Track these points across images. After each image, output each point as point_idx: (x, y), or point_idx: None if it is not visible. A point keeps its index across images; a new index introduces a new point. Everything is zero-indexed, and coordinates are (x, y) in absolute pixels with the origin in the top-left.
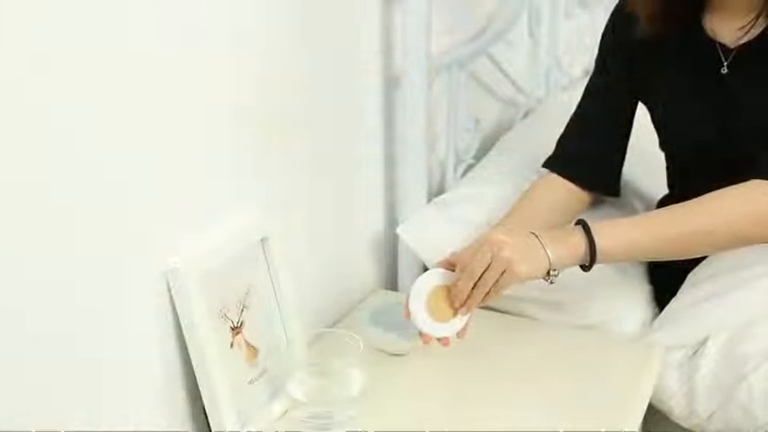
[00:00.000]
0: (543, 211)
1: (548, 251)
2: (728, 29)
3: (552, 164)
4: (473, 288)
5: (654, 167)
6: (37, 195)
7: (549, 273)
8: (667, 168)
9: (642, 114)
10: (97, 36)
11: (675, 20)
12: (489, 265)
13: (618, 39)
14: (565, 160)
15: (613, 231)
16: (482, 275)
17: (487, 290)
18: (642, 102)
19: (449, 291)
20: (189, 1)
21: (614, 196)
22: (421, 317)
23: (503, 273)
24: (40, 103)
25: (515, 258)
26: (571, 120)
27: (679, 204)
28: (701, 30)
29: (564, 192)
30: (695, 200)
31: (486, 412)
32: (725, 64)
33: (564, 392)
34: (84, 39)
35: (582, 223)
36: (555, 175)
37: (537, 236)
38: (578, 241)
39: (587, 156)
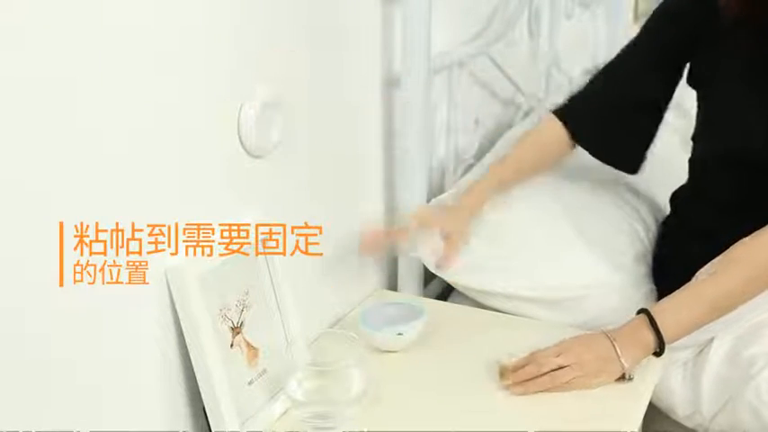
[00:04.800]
0: (548, 162)
1: (622, 360)
2: None
3: (567, 123)
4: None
5: (654, 166)
6: (37, 194)
7: (623, 376)
8: (693, 160)
9: None
10: (103, 38)
11: (763, 18)
12: (563, 367)
13: (696, 13)
14: (582, 128)
15: (677, 318)
16: (553, 372)
17: (552, 386)
18: (697, 88)
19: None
20: (188, 2)
21: (632, 173)
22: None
23: (574, 377)
24: (37, 102)
25: (591, 372)
26: (600, 81)
27: (724, 261)
28: None
29: (566, 149)
30: (737, 254)
31: (486, 412)
32: None
33: (564, 392)
34: (91, 40)
35: (649, 318)
36: (563, 131)
37: (612, 343)
38: (649, 342)
39: (611, 132)
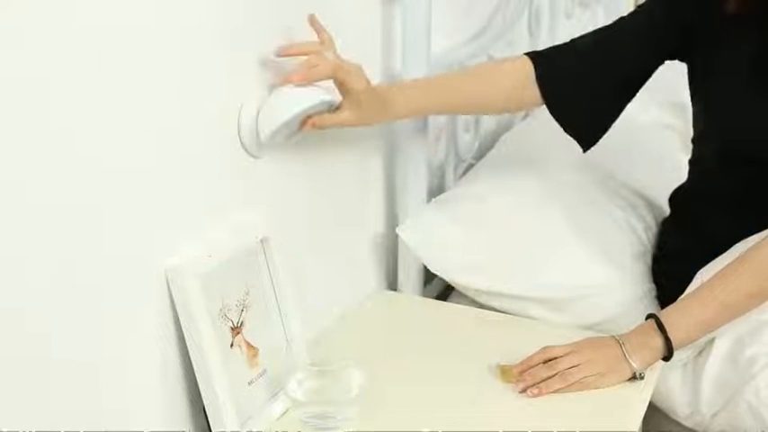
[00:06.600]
0: (497, 93)
1: (631, 362)
2: None
3: (537, 65)
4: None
5: (654, 166)
6: (37, 196)
7: (635, 376)
8: (693, 161)
9: (636, 113)
10: (103, 38)
11: (764, 9)
12: (575, 367)
13: (697, 9)
14: (550, 75)
15: (685, 321)
16: (563, 372)
17: (563, 385)
18: (697, 86)
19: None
20: (188, 2)
21: (584, 147)
22: None
23: (585, 377)
24: (38, 102)
25: (601, 372)
26: (581, 41)
27: (735, 265)
28: None
29: (529, 95)
30: (749, 258)
31: (486, 412)
32: None
33: (564, 392)
34: (89, 38)
35: (657, 322)
36: (530, 70)
37: (621, 345)
38: (657, 345)
39: (579, 93)
